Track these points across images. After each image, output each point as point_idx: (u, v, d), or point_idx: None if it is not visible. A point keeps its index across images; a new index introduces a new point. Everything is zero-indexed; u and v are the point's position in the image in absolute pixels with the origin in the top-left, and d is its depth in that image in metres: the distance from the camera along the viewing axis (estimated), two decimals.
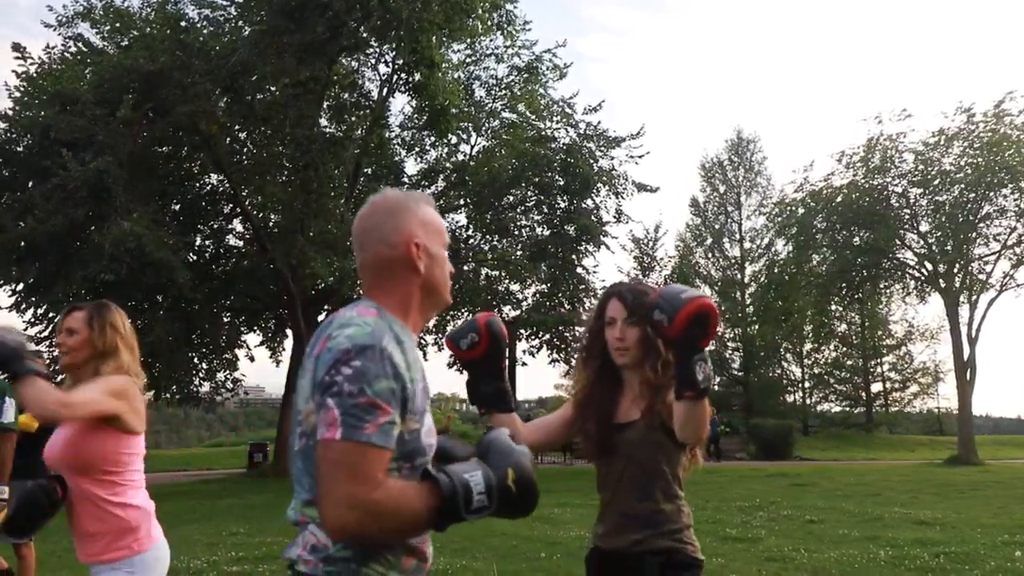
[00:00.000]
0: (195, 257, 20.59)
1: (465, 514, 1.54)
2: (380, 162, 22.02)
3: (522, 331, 21.18)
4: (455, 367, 23.03)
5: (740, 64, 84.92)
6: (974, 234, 25.40)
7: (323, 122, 20.14)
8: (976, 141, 24.85)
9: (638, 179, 20.32)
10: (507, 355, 2.58)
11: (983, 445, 26.75)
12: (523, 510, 1.62)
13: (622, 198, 20.16)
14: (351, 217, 16.74)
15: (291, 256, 17.64)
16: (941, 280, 25.86)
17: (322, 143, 18.34)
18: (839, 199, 25.55)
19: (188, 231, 20.11)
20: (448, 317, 22.16)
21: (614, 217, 20.18)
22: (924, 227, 25.96)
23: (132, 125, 16.99)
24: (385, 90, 19.55)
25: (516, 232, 22.09)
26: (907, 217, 25.76)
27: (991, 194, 25.00)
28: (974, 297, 25.87)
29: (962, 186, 24.96)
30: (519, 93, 21.54)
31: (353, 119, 20.75)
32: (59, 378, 3.21)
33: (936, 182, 25.20)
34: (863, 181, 25.60)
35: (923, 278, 26.67)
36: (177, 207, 20.76)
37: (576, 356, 2.91)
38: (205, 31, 18.24)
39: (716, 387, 39.15)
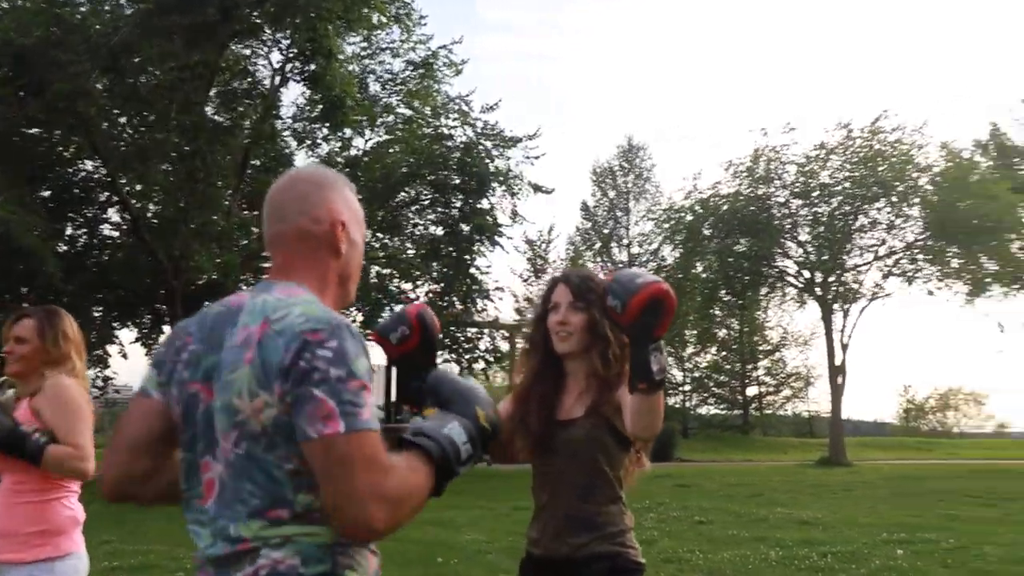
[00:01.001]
0: (66, 247, 19.39)
1: (458, 468, 1.50)
2: (270, 154, 21.29)
3: None
4: None
5: (633, 72, 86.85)
6: (849, 245, 26.65)
7: (211, 109, 19.32)
8: (853, 156, 26.10)
9: (534, 180, 20.40)
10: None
11: (849, 447, 28.04)
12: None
13: (518, 199, 20.16)
14: (238, 210, 16.00)
15: (173, 248, 16.79)
16: (818, 288, 27.04)
17: (210, 131, 17.55)
18: (725, 207, 26.37)
19: (59, 219, 18.91)
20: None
21: (510, 218, 20.16)
22: (804, 237, 27.08)
23: (1, 103, 15.84)
24: (278, 79, 18.90)
25: (409, 230, 21.77)
26: (788, 227, 26.82)
27: (865, 207, 26.29)
28: (847, 305, 27.14)
29: (839, 198, 26.16)
30: (415, 89, 21.26)
31: (243, 108, 19.97)
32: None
33: (815, 194, 26.33)
34: (748, 191, 26.51)
35: (801, 286, 27.84)
36: (48, 193, 19.47)
37: (521, 348, 2.77)
38: (84, 7, 17.19)
39: None
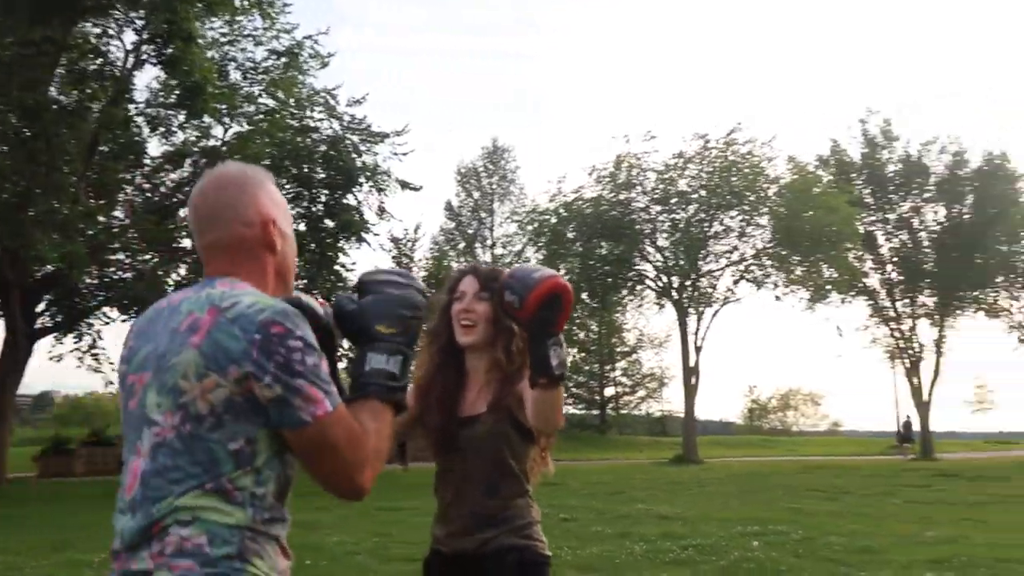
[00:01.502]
0: None
1: (401, 391, 1.60)
2: (120, 140, 20.15)
3: None
4: None
5: (499, 73, 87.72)
6: (704, 251, 27.78)
7: (56, 90, 18.06)
8: (709, 165, 27.22)
9: (402, 177, 20.19)
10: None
11: (699, 445, 29.20)
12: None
13: (385, 195, 19.90)
14: (85, 197, 14.95)
15: (15, 236, 15.59)
16: (675, 292, 28.04)
17: (55, 112, 16.41)
18: (589, 211, 26.94)
19: None
20: None
21: (376, 214, 19.88)
22: (662, 242, 28.04)
23: None
24: (132, 61, 17.88)
25: None
26: (648, 232, 27.69)
27: (719, 214, 27.48)
28: (702, 309, 28.28)
29: (696, 206, 27.22)
30: (278, 79, 20.62)
31: (92, 89, 18.77)
32: None
33: (673, 201, 27.31)
34: (611, 195, 27.19)
35: (660, 289, 28.80)
36: None
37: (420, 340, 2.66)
38: None
39: None
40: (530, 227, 29.32)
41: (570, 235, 27.43)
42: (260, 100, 20.94)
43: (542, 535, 2.44)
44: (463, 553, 2.39)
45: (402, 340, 1.61)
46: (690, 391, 27.87)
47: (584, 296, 28.07)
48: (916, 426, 32.85)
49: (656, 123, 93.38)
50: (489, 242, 41.13)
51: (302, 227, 20.55)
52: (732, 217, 27.64)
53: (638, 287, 29.59)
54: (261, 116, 20.81)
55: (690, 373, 27.83)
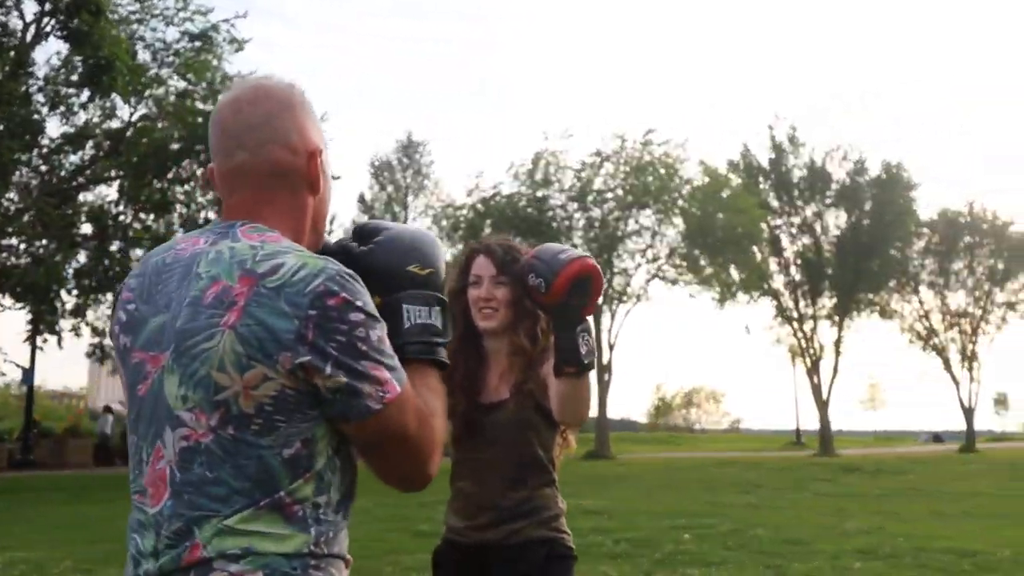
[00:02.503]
0: None
1: (443, 346, 1.36)
2: (16, 117, 18.99)
3: None
4: (94, 357, 20.74)
5: (414, 67, 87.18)
6: (620, 249, 28.10)
7: None
8: (625, 165, 27.53)
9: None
10: None
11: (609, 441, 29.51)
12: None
13: None
14: None
15: None
16: None
17: None
18: (507, 207, 26.89)
19: None
20: (91, 301, 19.80)
21: None
22: (578, 240, 28.18)
23: None
24: (32, 33, 16.86)
25: (179, 211, 20.28)
26: (565, 229, 27.81)
27: (634, 213, 27.83)
28: (615, 307, 28.58)
29: (611, 204, 27.50)
30: (191, 62, 19.82)
31: None
32: None
33: (590, 199, 27.51)
34: (529, 192, 27.21)
35: None
36: None
37: None
38: None
39: None
40: (445, 222, 29.08)
41: (487, 231, 27.30)
42: (170, 82, 20.11)
43: (567, 527, 2.32)
44: (485, 544, 2.26)
45: (438, 284, 1.37)
46: (603, 388, 28.14)
47: None
48: (816, 423, 34.06)
49: (576, 122, 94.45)
50: None
51: (211, 214, 19.82)
52: (648, 216, 28.04)
53: None
54: (170, 99, 19.98)
55: (603, 370, 28.10)
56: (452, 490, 2.37)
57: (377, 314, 1.20)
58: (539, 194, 27.09)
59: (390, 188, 41.35)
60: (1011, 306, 37.49)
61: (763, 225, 30.43)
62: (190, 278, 1.20)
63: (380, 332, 1.20)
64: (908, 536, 8.78)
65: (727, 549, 8.11)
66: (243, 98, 1.29)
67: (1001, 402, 61.70)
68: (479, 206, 27.39)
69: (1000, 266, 36.55)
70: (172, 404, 1.16)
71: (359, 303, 1.17)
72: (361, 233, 1.40)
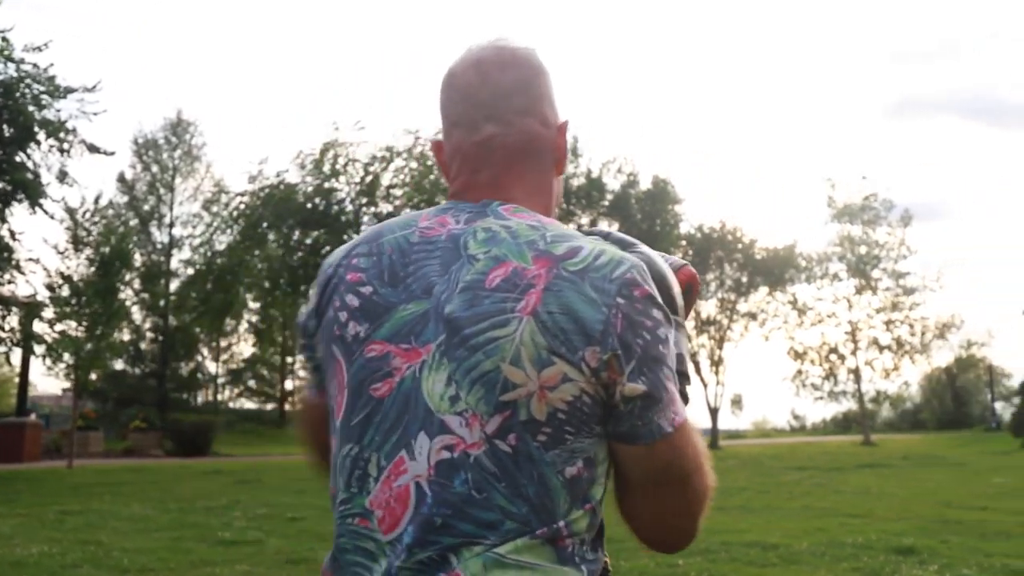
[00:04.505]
0: None
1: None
2: None
3: None
4: None
5: (182, 43, 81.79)
6: None
7: None
8: (415, 161, 27.34)
9: (90, 140, 17.76)
10: None
11: None
12: None
13: (68, 156, 17.39)
14: None
15: None
16: None
17: None
18: (292, 197, 25.84)
19: None
20: None
21: (57, 178, 17.33)
22: None
23: None
24: None
25: None
26: (353, 222, 27.14)
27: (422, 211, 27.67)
28: None
29: (400, 200, 27.19)
30: None
31: None
32: None
33: (377, 194, 27.05)
34: (316, 183, 26.31)
35: None
36: None
37: None
38: None
39: (130, 380, 36.51)
40: (224, 209, 27.51)
41: (269, 220, 26.07)
42: None
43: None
44: None
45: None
46: None
47: (284, 285, 26.88)
48: None
49: (369, 115, 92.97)
50: (168, 220, 38.01)
51: None
52: None
53: None
54: None
55: None
56: None
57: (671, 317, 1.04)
58: (327, 186, 26.26)
59: (155, 168, 38.61)
60: (752, 316, 41.29)
61: None
62: (460, 260, 1.02)
63: (676, 339, 1.04)
64: (710, 531, 9.27)
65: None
66: (488, 61, 1.14)
67: (737, 402, 67.95)
68: (261, 194, 26.09)
69: (744, 279, 40.12)
70: (435, 406, 0.98)
71: (660, 299, 1.01)
72: (608, 238, 1.19)
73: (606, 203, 35.11)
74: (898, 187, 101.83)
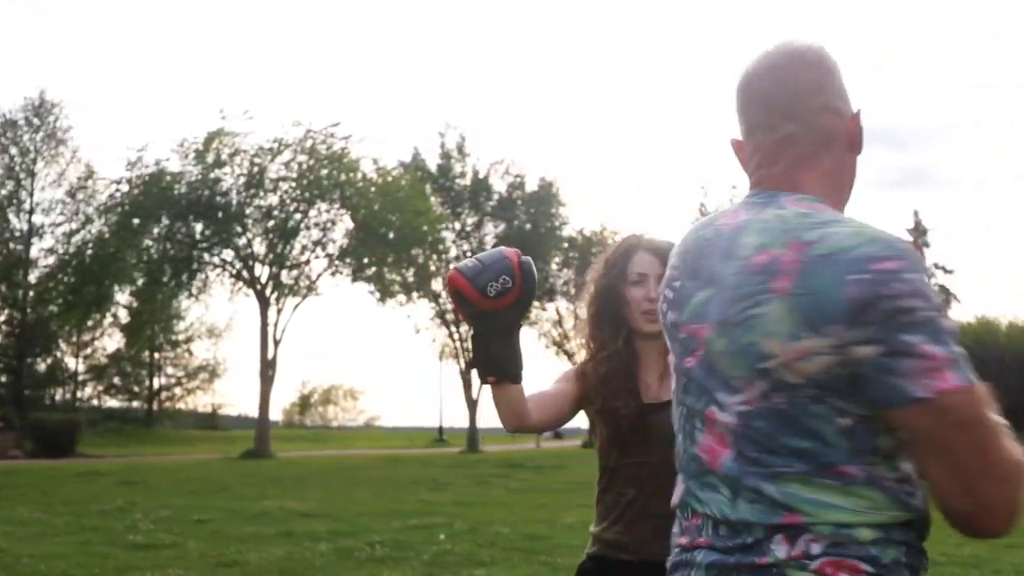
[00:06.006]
0: None
1: None
2: None
3: None
4: None
5: (50, 22, 76.86)
6: (293, 241, 27.09)
7: None
8: (303, 156, 26.67)
9: None
10: None
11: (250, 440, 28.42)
12: None
13: None
14: None
15: None
16: (258, 281, 26.87)
17: None
18: (174, 186, 24.71)
19: None
20: None
21: None
22: (250, 228, 26.73)
23: None
24: None
25: None
26: (237, 215, 26.21)
27: (306, 207, 27.03)
28: (283, 301, 27.51)
29: (285, 193, 26.49)
30: None
31: None
32: None
33: (264, 186, 26.25)
34: (199, 172, 25.25)
35: (245, 276, 27.29)
36: None
37: (585, 318, 2.24)
38: None
39: None
40: (95, 197, 26.08)
41: (148, 210, 24.81)
42: None
43: None
44: (656, 561, 2.03)
45: None
46: (267, 384, 26.98)
47: (166, 279, 25.68)
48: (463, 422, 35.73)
49: (257, 104, 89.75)
50: (27, 206, 35.62)
51: None
52: (319, 210, 27.41)
53: (218, 272, 27.73)
54: None
55: (267, 366, 26.95)
56: (607, 499, 2.12)
57: (940, 303, 1.10)
58: (212, 175, 25.27)
59: (14, 151, 36.08)
60: None
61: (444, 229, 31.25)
62: (735, 249, 1.19)
63: (937, 313, 1.07)
64: None
65: (481, 547, 8.18)
66: (780, 66, 1.26)
67: None
68: (138, 182, 24.82)
69: None
70: (725, 372, 1.17)
71: (913, 277, 1.07)
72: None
73: (493, 203, 35.29)
74: None
